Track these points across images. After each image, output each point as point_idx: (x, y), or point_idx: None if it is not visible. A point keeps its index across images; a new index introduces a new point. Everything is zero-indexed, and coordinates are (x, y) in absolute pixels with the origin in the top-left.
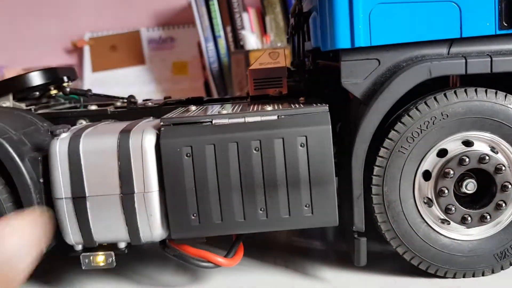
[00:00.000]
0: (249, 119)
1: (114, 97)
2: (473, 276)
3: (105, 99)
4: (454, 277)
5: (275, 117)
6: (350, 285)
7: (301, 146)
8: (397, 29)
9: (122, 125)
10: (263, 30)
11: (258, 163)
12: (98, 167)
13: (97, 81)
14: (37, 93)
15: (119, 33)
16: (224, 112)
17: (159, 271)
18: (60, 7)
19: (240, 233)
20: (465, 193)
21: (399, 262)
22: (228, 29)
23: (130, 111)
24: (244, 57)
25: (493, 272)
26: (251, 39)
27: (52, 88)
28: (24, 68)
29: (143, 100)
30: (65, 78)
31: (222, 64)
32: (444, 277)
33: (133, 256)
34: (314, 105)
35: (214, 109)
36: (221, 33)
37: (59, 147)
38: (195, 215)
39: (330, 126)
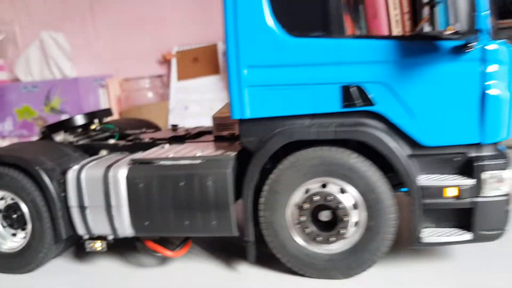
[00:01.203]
0: (182, 162)
1: (133, 133)
2: (327, 278)
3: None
4: (315, 278)
5: (198, 161)
6: (253, 276)
7: (211, 182)
8: (271, 106)
9: (113, 160)
10: None
11: (184, 192)
12: (91, 188)
13: (181, 89)
14: (80, 129)
15: (200, 46)
16: (171, 154)
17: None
18: (153, 25)
19: (175, 235)
20: (323, 220)
21: None
22: None
23: (134, 145)
24: None
25: (343, 277)
26: None
27: (92, 125)
28: (124, 78)
29: (172, 126)
30: (97, 120)
31: None
32: (308, 277)
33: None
34: (226, 153)
35: (174, 150)
36: None
37: (71, 175)
38: (147, 222)
39: (230, 170)
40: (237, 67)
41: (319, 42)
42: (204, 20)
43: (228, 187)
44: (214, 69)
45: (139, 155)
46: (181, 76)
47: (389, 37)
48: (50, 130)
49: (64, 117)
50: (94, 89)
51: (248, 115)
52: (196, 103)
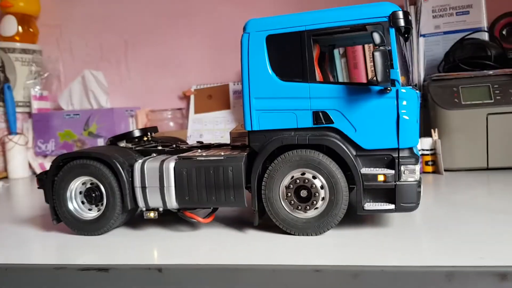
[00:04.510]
0: (211, 158)
1: (171, 143)
2: (305, 235)
3: (168, 143)
4: (296, 235)
5: (222, 158)
6: (255, 236)
7: (230, 171)
8: (269, 123)
9: (165, 157)
10: None
11: (213, 177)
12: (151, 174)
13: (197, 120)
14: (136, 139)
15: (214, 86)
16: (204, 154)
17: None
18: (176, 67)
19: (208, 207)
20: (302, 196)
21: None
22: None
23: (176, 150)
24: None
25: (315, 234)
26: None
27: (145, 137)
28: (150, 110)
29: (197, 142)
30: (149, 133)
31: None
32: (292, 234)
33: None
34: (240, 153)
35: (205, 152)
36: None
37: (137, 165)
38: (187, 197)
39: (243, 163)
40: (249, 98)
41: (298, 85)
42: (218, 65)
43: (241, 174)
44: (225, 105)
45: (182, 154)
46: (198, 110)
47: (341, 83)
48: (115, 139)
49: (99, 140)
50: (125, 118)
51: (255, 128)
52: (209, 132)
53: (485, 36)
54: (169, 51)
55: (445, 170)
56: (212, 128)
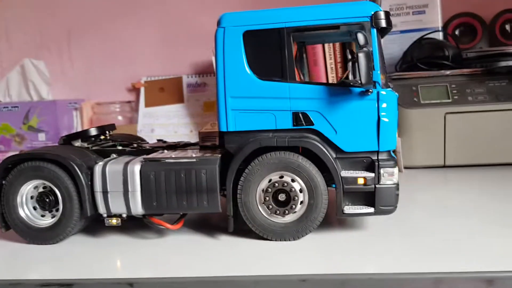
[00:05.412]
0: (182, 160)
1: (133, 142)
2: (283, 240)
3: (127, 142)
4: (274, 240)
5: (194, 160)
6: (228, 241)
7: (203, 174)
8: (246, 123)
9: (129, 158)
10: None
11: (184, 180)
12: (113, 178)
13: (148, 114)
14: (93, 138)
15: (166, 78)
16: (173, 155)
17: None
18: (124, 57)
19: (175, 213)
20: (280, 200)
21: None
22: None
23: (138, 150)
24: None
25: (293, 239)
26: None
27: (102, 136)
28: (97, 102)
29: (158, 140)
30: (107, 132)
31: None
32: (270, 240)
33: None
34: (215, 154)
35: (173, 153)
36: None
37: (97, 168)
38: (155, 203)
39: (217, 166)
40: (224, 97)
41: (278, 84)
42: (171, 56)
43: (215, 177)
44: (178, 99)
45: (149, 156)
46: (148, 103)
47: (322, 83)
48: (69, 138)
49: (40, 135)
50: (69, 111)
51: (231, 128)
52: (161, 127)
53: (440, 36)
54: (117, 41)
55: (405, 168)
56: (164, 122)
